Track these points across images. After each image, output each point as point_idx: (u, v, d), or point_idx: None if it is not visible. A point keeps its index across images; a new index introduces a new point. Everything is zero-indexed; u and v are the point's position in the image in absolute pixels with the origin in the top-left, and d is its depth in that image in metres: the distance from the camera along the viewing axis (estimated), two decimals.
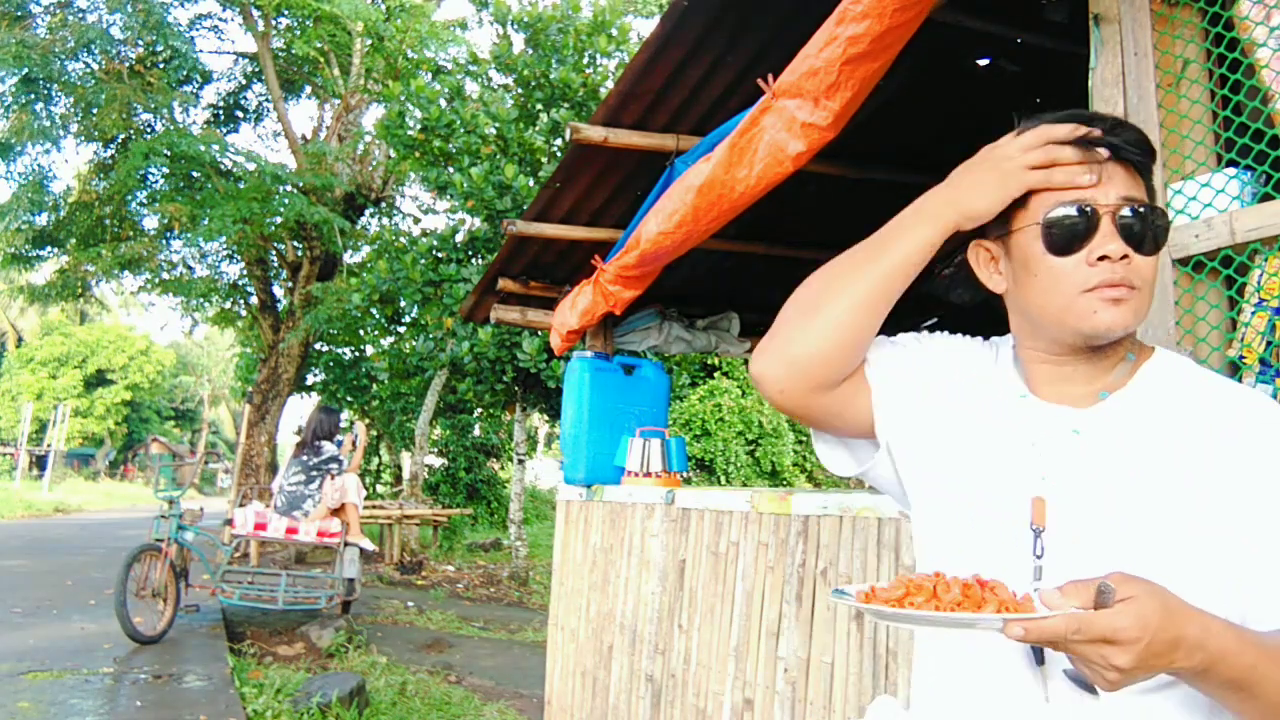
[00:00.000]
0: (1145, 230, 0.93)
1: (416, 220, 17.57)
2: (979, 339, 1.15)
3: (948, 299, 4.41)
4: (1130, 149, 0.95)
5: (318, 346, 14.24)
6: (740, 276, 4.76)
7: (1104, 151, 0.94)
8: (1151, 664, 0.75)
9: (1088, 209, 0.93)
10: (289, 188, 11.96)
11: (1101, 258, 0.92)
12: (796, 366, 1.07)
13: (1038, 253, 0.96)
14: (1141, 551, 0.89)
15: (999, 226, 1.01)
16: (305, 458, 6.56)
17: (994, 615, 0.78)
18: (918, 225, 1.04)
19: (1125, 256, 0.92)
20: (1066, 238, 0.94)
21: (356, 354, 14.45)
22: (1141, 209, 0.94)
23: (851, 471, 1.16)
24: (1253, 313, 1.43)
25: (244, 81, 14.72)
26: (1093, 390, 0.99)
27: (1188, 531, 0.89)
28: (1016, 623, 0.76)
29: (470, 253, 10.06)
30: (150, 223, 13.63)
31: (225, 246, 13.57)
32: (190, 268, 14.42)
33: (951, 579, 0.83)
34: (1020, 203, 0.98)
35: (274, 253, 14.21)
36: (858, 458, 1.15)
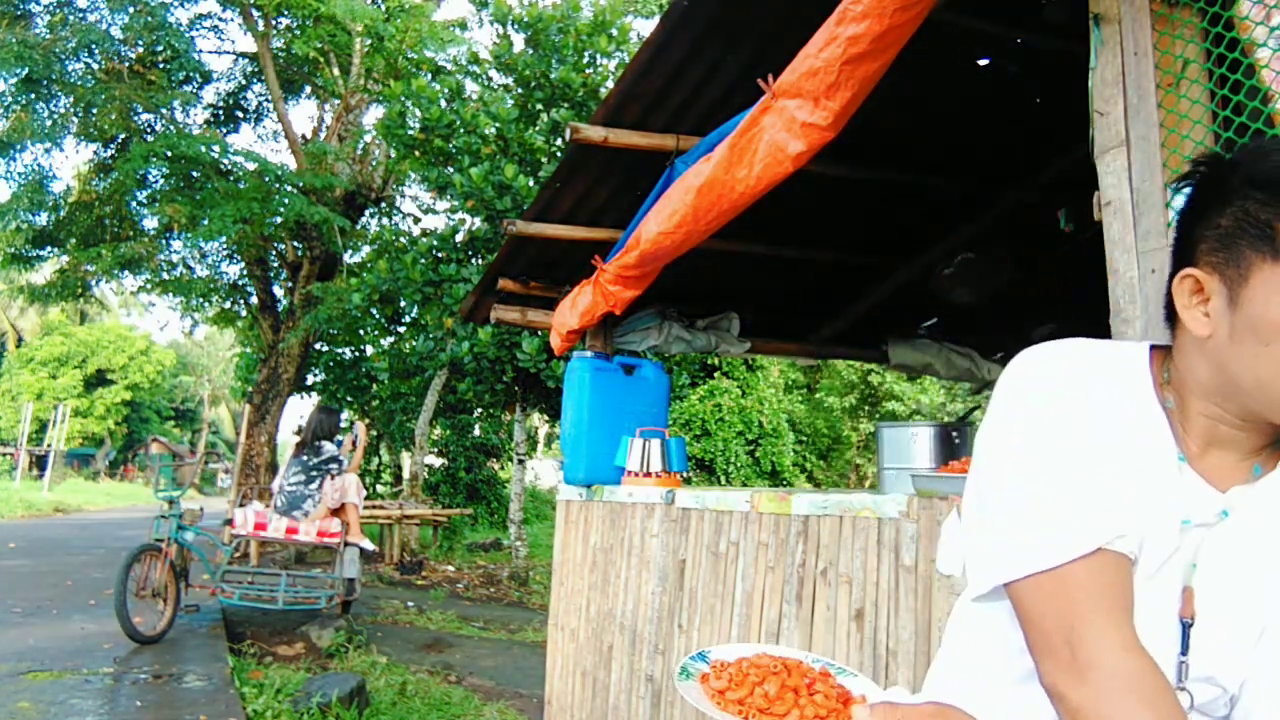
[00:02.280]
0: None
1: (416, 220, 17.60)
2: (1086, 343, 0.92)
3: (948, 299, 4.42)
4: None
5: (318, 346, 14.24)
6: (740, 276, 4.76)
7: None
8: None
9: None
10: (289, 188, 11.96)
11: None
12: None
13: (1278, 321, 0.77)
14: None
15: (1225, 260, 0.81)
16: (305, 458, 6.56)
17: None
18: None
19: None
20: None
21: (356, 354, 14.45)
22: None
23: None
24: None
25: (244, 81, 14.72)
26: (1249, 464, 0.86)
27: None
28: None
29: (470, 253, 10.06)
30: (150, 223, 13.62)
31: (225, 246, 13.57)
32: (190, 268, 14.42)
33: (779, 672, 0.81)
34: (1270, 241, 0.77)
35: (274, 253, 14.21)
36: None
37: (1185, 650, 0.83)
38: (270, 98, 13.58)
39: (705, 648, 0.87)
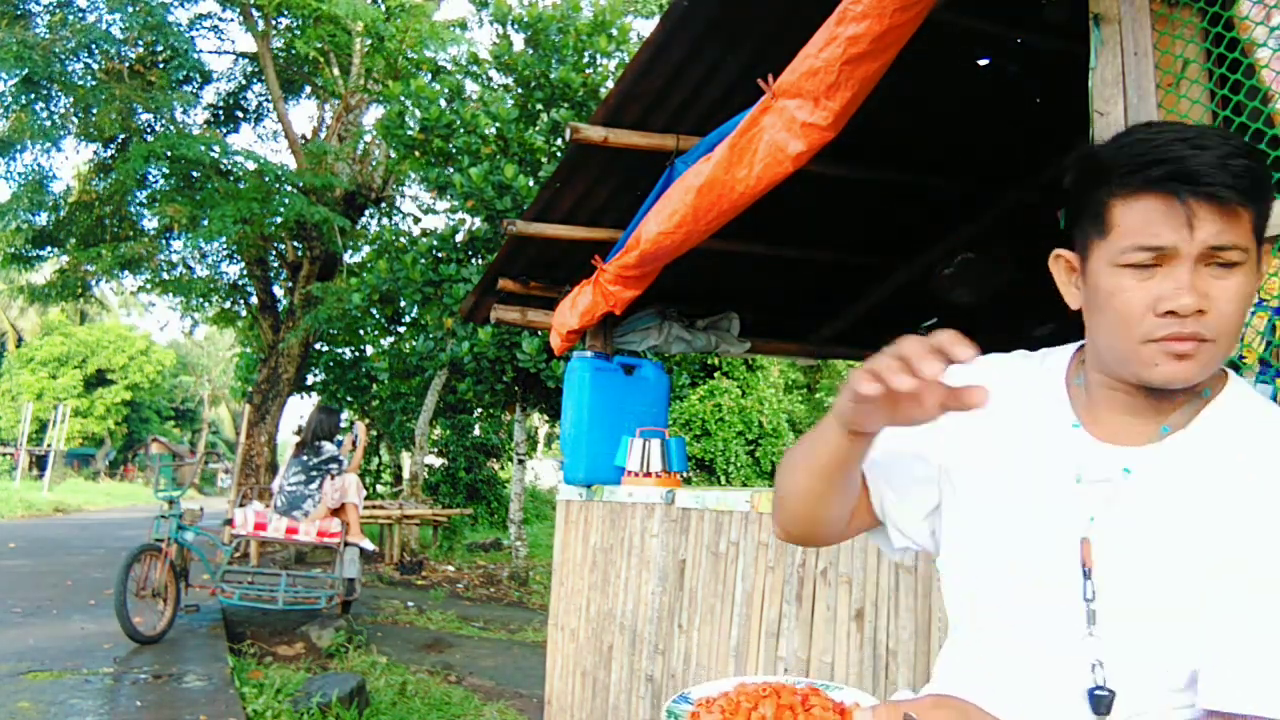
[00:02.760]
0: (1213, 275, 0.84)
1: (416, 220, 17.60)
2: (1023, 353, 1.07)
3: (948, 299, 4.42)
4: (1217, 187, 0.82)
5: (318, 346, 14.24)
6: (740, 276, 4.76)
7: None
8: None
9: (1161, 256, 0.85)
10: (289, 188, 11.96)
11: (1170, 311, 0.84)
12: (797, 538, 1.12)
13: (1107, 290, 0.88)
14: (1180, 599, 0.86)
15: (1080, 244, 0.94)
16: (305, 458, 6.56)
17: None
18: (825, 428, 0.95)
19: (1201, 310, 0.84)
20: (1128, 281, 0.87)
21: (356, 354, 14.45)
22: (1228, 256, 0.84)
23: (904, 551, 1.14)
24: (1253, 313, 1.43)
25: (244, 81, 14.72)
26: (1155, 425, 0.93)
27: (1220, 586, 0.85)
28: None
29: (470, 253, 10.06)
30: (150, 223, 13.62)
31: (225, 246, 13.56)
32: (190, 268, 14.41)
33: (770, 696, 0.81)
34: (1100, 229, 0.89)
35: (274, 253, 14.21)
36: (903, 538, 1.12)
37: (1091, 598, 0.89)
38: (270, 98, 13.58)
39: (684, 690, 0.88)
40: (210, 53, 13.65)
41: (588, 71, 9.94)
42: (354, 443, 7.00)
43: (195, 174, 11.91)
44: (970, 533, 1.01)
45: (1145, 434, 0.93)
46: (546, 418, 13.85)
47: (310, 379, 14.66)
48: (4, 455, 28.75)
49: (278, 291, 14.55)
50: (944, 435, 1.02)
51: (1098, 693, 0.87)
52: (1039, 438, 0.98)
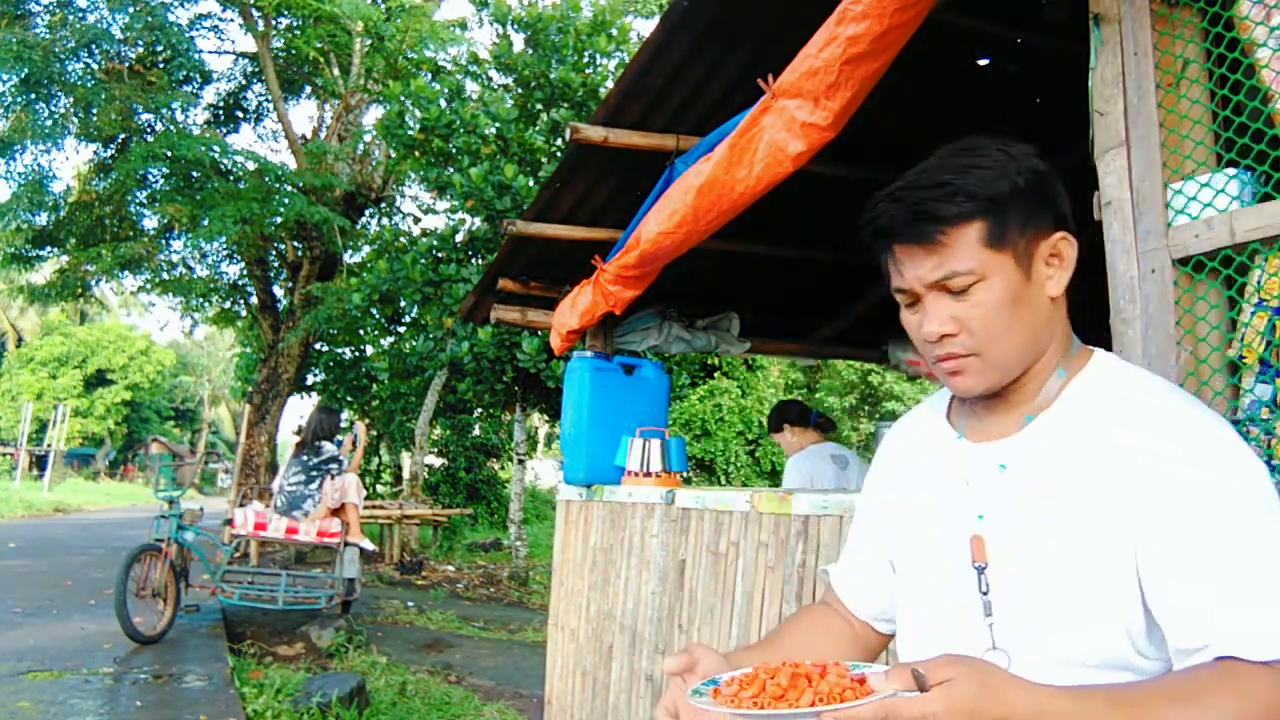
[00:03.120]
0: (954, 297, 0.93)
1: (416, 220, 17.61)
2: (925, 400, 1.17)
3: None
4: (905, 234, 0.94)
5: (318, 346, 14.24)
6: (740, 276, 4.76)
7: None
8: None
9: (904, 294, 0.97)
10: (289, 188, 11.96)
11: (928, 340, 0.95)
12: None
13: (904, 324, 1.00)
14: (1071, 579, 0.88)
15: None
16: (305, 458, 6.56)
17: (808, 710, 0.76)
18: None
19: (948, 334, 0.93)
20: (906, 314, 0.99)
21: (356, 354, 14.45)
22: (954, 284, 0.92)
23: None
24: (1253, 313, 1.43)
25: (244, 81, 14.72)
26: (1018, 416, 0.98)
27: (1104, 558, 0.87)
28: (829, 714, 0.74)
29: (470, 253, 10.06)
30: (150, 223, 13.62)
31: (225, 246, 13.57)
32: (190, 268, 14.42)
33: (786, 666, 0.83)
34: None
35: (274, 253, 14.21)
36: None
37: (986, 590, 0.93)
38: (270, 98, 13.58)
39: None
40: (210, 53, 13.60)
41: (588, 71, 9.94)
42: (354, 443, 7.00)
43: (195, 174, 11.91)
44: (898, 554, 1.09)
45: (1011, 426, 0.98)
46: (546, 418, 13.84)
47: (310, 379, 14.66)
48: (4, 455, 28.75)
49: (278, 291, 14.55)
50: (876, 515, 1.15)
51: None
52: (934, 460, 1.06)
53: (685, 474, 3.84)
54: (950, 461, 1.03)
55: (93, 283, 14.72)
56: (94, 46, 10.94)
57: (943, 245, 0.92)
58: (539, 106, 9.89)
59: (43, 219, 12.72)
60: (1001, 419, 0.99)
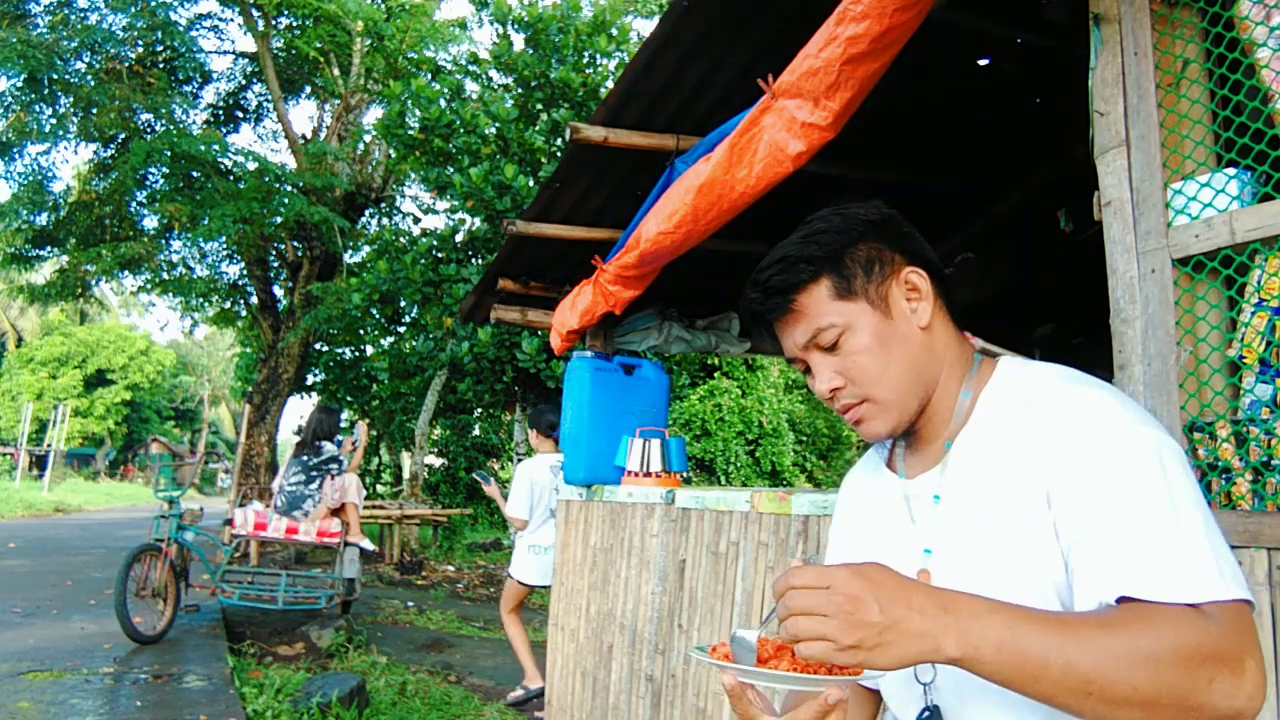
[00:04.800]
0: (829, 353, 0.99)
1: (416, 220, 17.58)
2: (871, 448, 1.19)
3: None
4: (766, 313, 1.02)
5: (318, 346, 14.24)
6: (740, 276, 4.75)
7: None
8: (877, 639, 0.74)
9: (796, 363, 1.04)
10: (289, 188, 11.96)
11: (823, 398, 1.01)
12: None
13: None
14: (1008, 586, 0.87)
15: None
16: (305, 458, 6.56)
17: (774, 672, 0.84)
18: None
19: (836, 387, 0.99)
20: (809, 379, 1.05)
21: (356, 354, 14.46)
22: (823, 340, 0.99)
23: None
24: (1253, 313, 1.43)
25: (244, 81, 14.73)
26: (940, 445, 1.01)
27: (1034, 553, 0.88)
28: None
29: (470, 253, 10.07)
30: (150, 223, 13.63)
31: (225, 246, 13.58)
32: (190, 268, 14.42)
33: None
34: None
35: (274, 253, 14.21)
36: None
37: (919, 679, 0.95)
38: (270, 98, 13.59)
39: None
40: (210, 53, 13.57)
41: (588, 71, 9.94)
42: (354, 443, 7.00)
43: (195, 174, 11.92)
44: None
45: (936, 457, 1.01)
46: None
47: (310, 379, 14.67)
48: (4, 455, 28.75)
49: (278, 291, 14.56)
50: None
51: (924, 715, 0.95)
52: (883, 503, 1.09)
53: (685, 474, 3.84)
54: (896, 502, 1.05)
55: (93, 283, 14.73)
56: (95, 47, 10.94)
57: (799, 312, 1.00)
58: (539, 106, 9.90)
59: (43, 219, 12.74)
60: (926, 453, 1.03)
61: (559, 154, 9.42)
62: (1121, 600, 0.79)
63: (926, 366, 1.00)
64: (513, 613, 5.27)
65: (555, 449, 5.13)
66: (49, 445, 28.57)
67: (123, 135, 12.44)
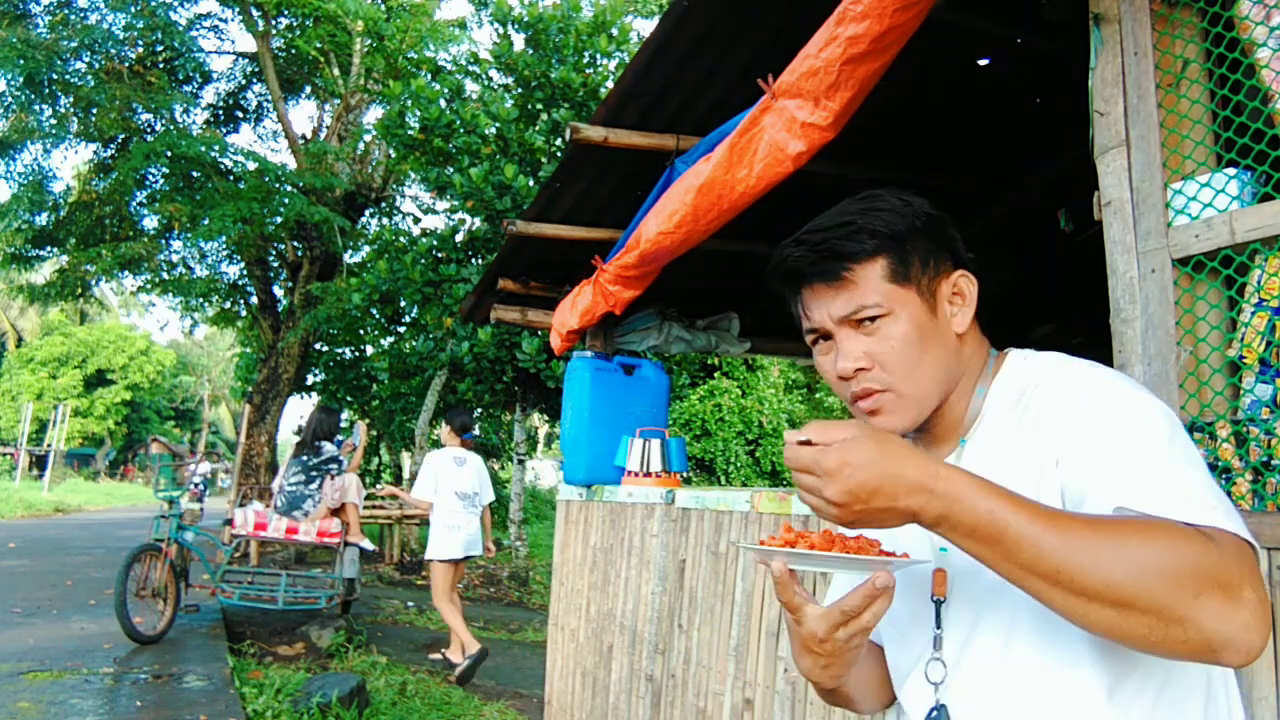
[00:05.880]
0: (864, 333, 0.95)
1: (416, 220, 17.59)
2: None
3: None
4: (812, 274, 0.97)
5: (318, 346, 14.23)
6: (740, 277, 4.75)
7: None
8: (869, 500, 0.75)
9: (815, 335, 1.00)
10: (289, 188, 11.96)
11: (843, 377, 0.97)
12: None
13: (818, 368, 1.03)
14: (1019, 602, 0.86)
15: None
16: (305, 458, 6.56)
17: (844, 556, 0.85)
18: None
19: (861, 368, 0.95)
20: (819, 357, 1.01)
21: (356, 354, 14.45)
22: (863, 315, 0.95)
23: None
24: (1253, 313, 1.43)
25: (244, 81, 14.72)
26: (954, 441, 1.00)
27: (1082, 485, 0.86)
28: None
29: (470, 253, 10.07)
30: (150, 223, 13.62)
31: (225, 246, 13.57)
32: (190, 268, 14.42)
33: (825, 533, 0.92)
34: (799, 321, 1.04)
35: (274, 253, 14.21)
36: None
37: (939, 625, 0.94)
38: (270, 98, 13.59)
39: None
40: (210, 53, 13.57)
41: (588, 71, 9.94)
42: (353, 444, 7.01)
43: (195, 174, 11.92)
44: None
45: (949, 452, 1.00)
46: (546, 418, 13.85)
47: (310, 379, 14.66)
48: (4, 455, 28.75)
49: (278, 291, 14.55)
50: None
51: (933, 713, 0.93)
52: None
53: (685, 474, 3.84)
54: None
55: (93, 283, 14.72)
56: (95, 47, 10.94)
57: (849, 282, 0.96)
58: (539, 106, 9.90)
59: (43, 219, 12.73)
60: (940, 451, 1.01)
61: (559, 154, 9.42)
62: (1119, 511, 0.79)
63: (954, 369, 0.98)
64: (448, 598, 5.78)
65: (459, 444, 6.07)
66: (49, 445, 28.57)
67: (123, 135, 12.44)
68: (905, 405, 0.96)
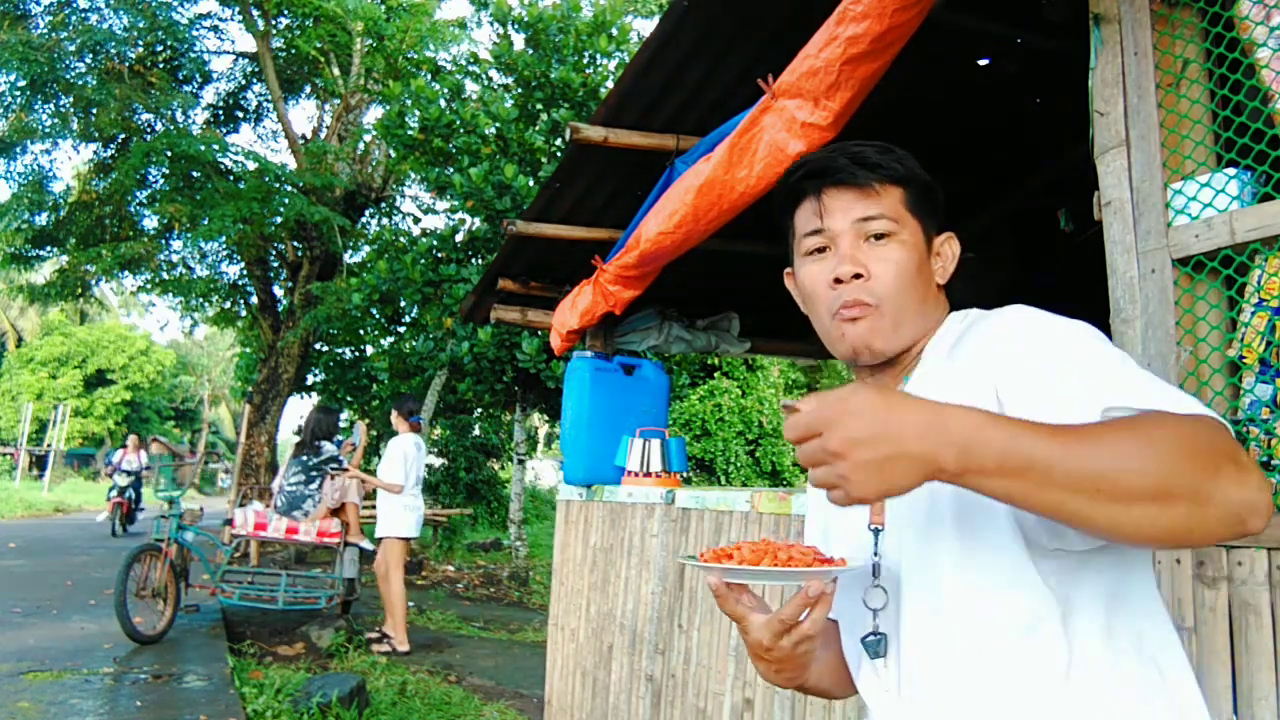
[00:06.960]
0: (871, 246, 0.99)
1: (416, 220, 17.58)
2: None
3: (947, 299, 4.41)
4: (843, 173, 1.00)
5: (318, 346, 14.23)
6: (740, 276, 4.76)
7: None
8: (876, 446, 0.71)
9: (820, 236, 1.02)
10: (289, 187, 11.96)
11: (836, 280, 0.99)
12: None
13: (803, 279, 1.05)
14: (950, 502, 0.90)
15: (791, 258, 1.09)
16: (305, 458, 6.56)
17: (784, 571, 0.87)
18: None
19: (858, 275, 0.98)
20: (812, 267, 1.03)
21: (356, 354, 14.44)
22: (875, 227, 0.99)
23: None
24: (1253, 313, 1.43)
25: (244, 81, 14.71)
26: (897, 384, 1.03)
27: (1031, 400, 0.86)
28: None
29: (470, 253, 10.06)
30: (150, 223, 13.62)
31: (225, 246, 13.56)
32: (190, 268, 14.41)
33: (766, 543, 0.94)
34: (791, 236, 1.07)
35: (274, 253, 14.20)
36: None
37: (876, 552, 0.94)
38: (270, 98, 13.58)
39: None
40: (210, 53, 13.55)
41: (588, 71, 9.94)
42: (353, 445, 7.02)
43: (195, 174, 11.91)
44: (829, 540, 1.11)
45: None
46: (546, 418, 13.84)
47: (310, 379, 14.65)
48: (4, 455, 28.74)
49: (278, 291, 14.55)
50: (814, 516, 1.17)
51: (869, 638, 0.94)
52: None
53: (685, 474, 3.84)
54: None
55: (93, 283, 14.71)
56: (96, 47, 10.94)
57: (874, 192, 1.00)
58: (539, 106, 9.89)
59: (43, 219, 12.72)
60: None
61: (559, 154, 9.42)
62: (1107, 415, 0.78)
63: (929, 313, 1.02)
64: (401, 575, 6.22)
65: (410, 430, 6.39)
66: (49, 445, 28.57)
67: (123, 135, 12.43)
68: (885, 326, 0.99)
